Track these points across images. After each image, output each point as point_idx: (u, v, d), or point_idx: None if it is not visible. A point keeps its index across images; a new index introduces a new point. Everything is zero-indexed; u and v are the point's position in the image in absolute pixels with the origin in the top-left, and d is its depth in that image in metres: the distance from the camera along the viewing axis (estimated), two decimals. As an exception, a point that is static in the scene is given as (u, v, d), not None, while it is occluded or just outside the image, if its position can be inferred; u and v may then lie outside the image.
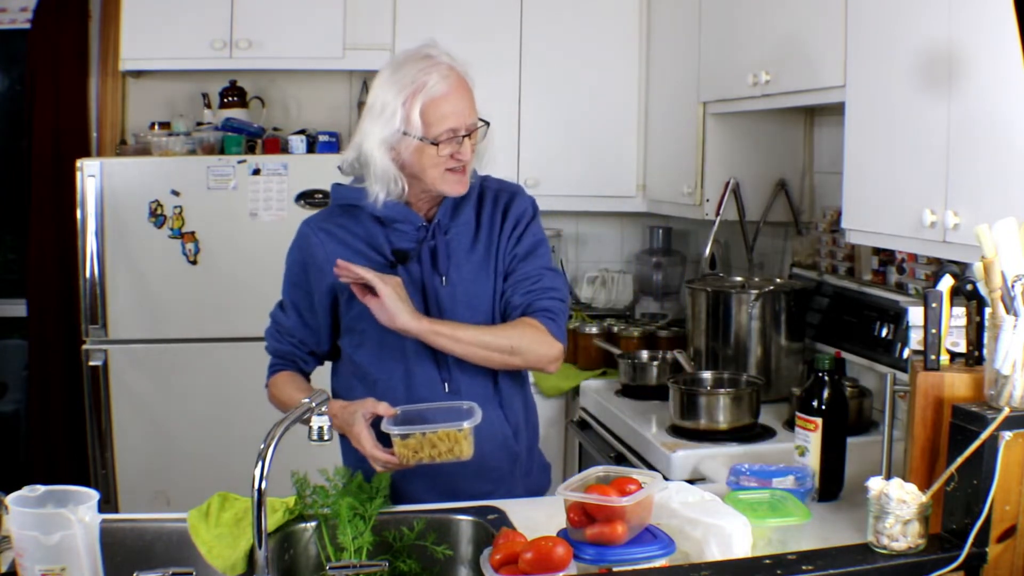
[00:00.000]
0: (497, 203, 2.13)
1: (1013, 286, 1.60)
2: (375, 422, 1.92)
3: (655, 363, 3.23)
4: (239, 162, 3.61)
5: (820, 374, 2.07)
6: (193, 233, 3.60)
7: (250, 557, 1.64)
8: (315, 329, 2.14)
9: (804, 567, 1.56)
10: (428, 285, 2.05)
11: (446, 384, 2.05)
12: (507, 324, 2.06)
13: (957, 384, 1.70)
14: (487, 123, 2.03)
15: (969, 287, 1.74)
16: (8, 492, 1.48)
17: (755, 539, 1.70)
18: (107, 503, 3.53)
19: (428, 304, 2.05)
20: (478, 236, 2.10)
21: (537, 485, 2.21)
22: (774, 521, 1.74)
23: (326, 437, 1.72)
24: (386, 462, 1.89)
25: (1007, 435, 1.55)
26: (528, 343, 2.02)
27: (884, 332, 2.73)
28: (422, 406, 1.97)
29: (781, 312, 3.05)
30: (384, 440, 1.90)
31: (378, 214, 2.04)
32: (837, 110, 2.55)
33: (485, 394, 2.06)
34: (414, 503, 2.01)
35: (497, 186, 2.17)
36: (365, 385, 2.07)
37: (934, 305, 1.72)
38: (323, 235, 2.09)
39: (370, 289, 1.93)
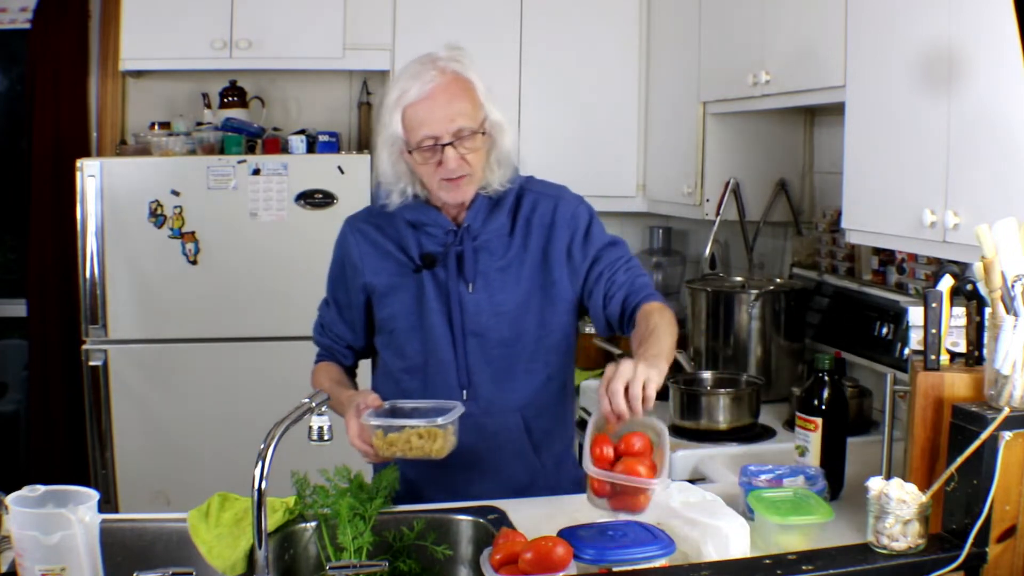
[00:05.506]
0: (535, 209, 2.07)
1: (1013, 286, 1.60)
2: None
3: (655, 363, 3.23)
4: (239, 162, 3.61)
5: (820, 374, 2.07)
6: (193, 233, 3.60)
7: (250, 557, 1.64)
8: (352, 325, 2.17)
9: (804, 567, 1.56)
10: (452, 291, 2.04)
11: (464, 391, 2.04)
12: (659, 319, 1.90)
13: (957, 384, 1.69)
14: (483, 132, 1.95)
15: (969, 287, 1.74)
16: (8, 492, 1.48)
17: (777, 538, 1.70)
18: (107, 503, 3.53)
19: (451, 310, 2.04)
20: (511, 243, 2.06)
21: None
22: (798, 519, 1.72)
23: (326, 437, 1.72)
24: (364, 452, 1.90)
25: (1007, 435, 1.55)
26: (672, 322, 1.91)
27: (884, 332, 2.73)
28: (411, 402, 1.96)
29: (781, 312, 3.05)
30: None
31: (407, 217, 2.05)
32: (837, 110, 2.54)
33: (506, 404, 2.05)
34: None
35: (539, 189, 2.10)
36: (392, 383, 2.08)
37: (934, 305, 1.72)
38: (358, 235, 2.11)
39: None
